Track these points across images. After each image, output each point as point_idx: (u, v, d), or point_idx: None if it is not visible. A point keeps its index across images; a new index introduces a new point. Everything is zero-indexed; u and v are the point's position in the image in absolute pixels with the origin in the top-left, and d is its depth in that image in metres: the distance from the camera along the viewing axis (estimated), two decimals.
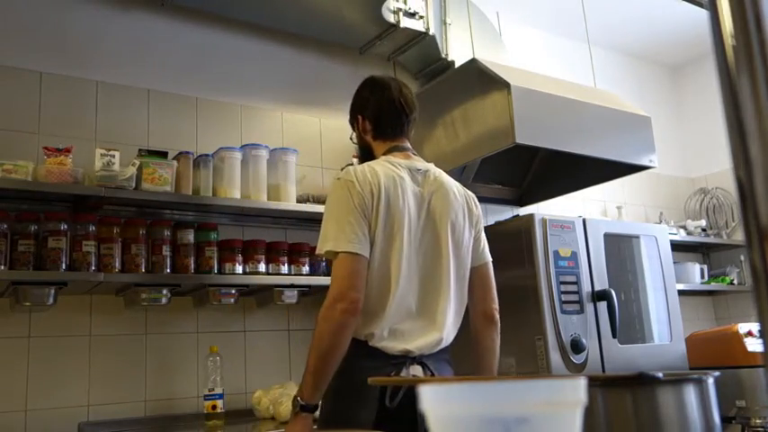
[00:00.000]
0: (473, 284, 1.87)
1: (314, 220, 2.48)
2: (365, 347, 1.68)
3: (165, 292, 2.46)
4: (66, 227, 2.31)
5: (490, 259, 1.93)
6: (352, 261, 1.62)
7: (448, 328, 1.77)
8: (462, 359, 1.87)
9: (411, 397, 1.55)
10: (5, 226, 2.22)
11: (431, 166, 1.88)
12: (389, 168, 1.75)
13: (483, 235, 1.94)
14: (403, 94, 1.88)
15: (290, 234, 2.92)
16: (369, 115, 1.89)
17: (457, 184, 1.92)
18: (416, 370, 1.69)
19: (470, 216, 1.88)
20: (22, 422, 2.31)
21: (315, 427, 1.67)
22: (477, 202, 1.96)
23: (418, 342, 1.70)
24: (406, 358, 1.70)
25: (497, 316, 1.89)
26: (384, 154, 1.84)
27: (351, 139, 2.02)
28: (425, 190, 1.78)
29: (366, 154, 1.94)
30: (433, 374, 1.69)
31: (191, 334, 2.69)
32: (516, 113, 2.66)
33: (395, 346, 1.68)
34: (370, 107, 1.88)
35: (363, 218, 1.66)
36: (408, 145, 1.89)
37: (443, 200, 1.79)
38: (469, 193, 1.95)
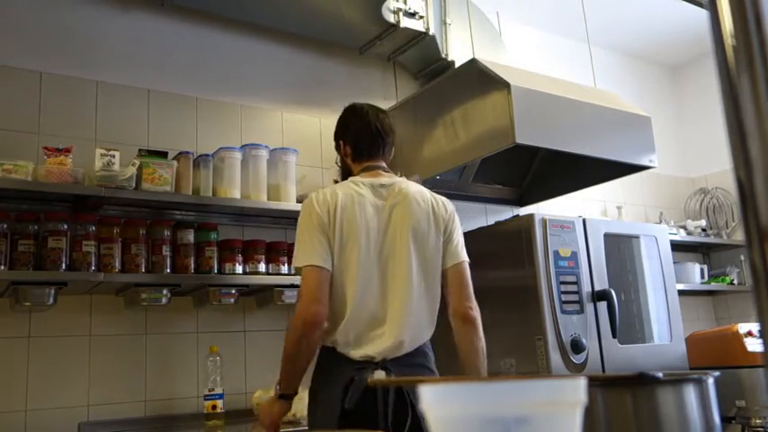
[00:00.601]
0: (448, 285, 1.96)
1: None
2: (333, 353, 1.85)
3: (165, 292, 2.46)
4: (66, 227, 2.31)
5: (464, 259, 1.98)
6: (314, 273, 1.81)
7: (412, 332, 1.85)
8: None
9: (370, 399, 1.74)
10: (5, 226, 2.22)
11: (398, 179, 2.00)
12: (350, 188, 1.92)
13: (456, 236, 1.99)
14: (380, 120, 2.04)
15: (290, 234, 2.91)
16: (349, 140, 2.04)
17: (424, 192, 2.01)
18: (380, 374, 1.79)
19: (436, 220, 1.96)
20: (22, 422, 2.31)
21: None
22: (448, 206, 2.02)
23: (378, 347, 1.81)
24: (369, 363, 1.81)
25: (474, 314, 1.94)
26: (358, 174, 2.00)
27: (336, 163, 2.19)
28: (388, 202, 1.92)
29: (346, 175, 2.08)
30: (410, 373, 1.80)
31: (191, 334, 2.69)
32: (516, 113, 2.66)
33: (357, 351, 1.82)
34: (350, 133, 2.04)
35: (323, 234, 1.84)
36: (382, 164, 2.02)
37: (405, 209, 1.91)
38: (439, 198, 2.03)
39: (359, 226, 1.85)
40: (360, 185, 1.92)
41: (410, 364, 1.84)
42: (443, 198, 2.04)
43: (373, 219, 1.88)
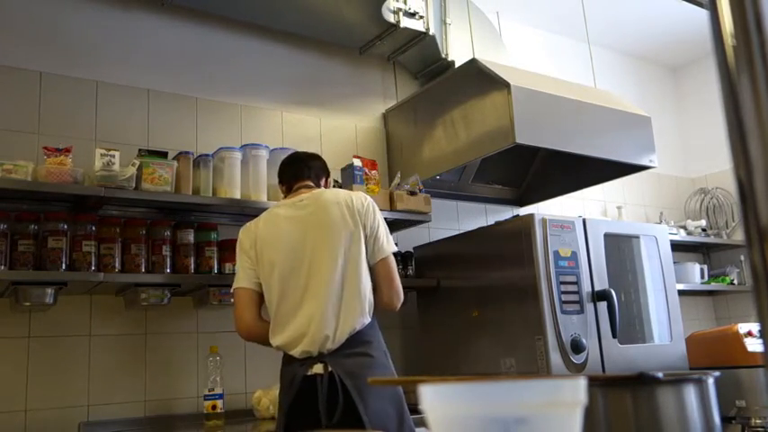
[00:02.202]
0: (376, 279, 2.12)
1: None
2: (285, 355, 2.09)
3: (165, 292, 2.46)
4: (66, 227, 2.31)
5: (388, 253, 2.13)
6: (239, 294, 2.12)
7: (335, 325, 1.99)
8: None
9: (311, 391, 1.96)
10: (5, 226, 2.22)
11: (318, 191, 2.19)
12: (271, 212, 2.19)
13: (378, 230, 2.13)
14: (300, 153, 2.39)
15: None
16: (279, 178, 2.32)
17: (339, 193, 2.17)
18: (318, 368, 1.99)
19: (352, 215, 2.09)
20: (22, 422, 2.31)
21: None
22: (364, 200, 2.15)
23: (310, 344, 1.99)
24: (308, 359, 2.01)
25: (398, 307, 2.16)
26: (285, 198, 2.27)
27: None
28: (305, 212, 2.11)
29: None
30: (332, 371, 1.96)
31: (191, 334, 2.69)
32: (516, 113, 2.67)
33: (296, 350, 2.02)
34: (279, 173, 2.33)
35: (248, 258, 2.13)
36: (307, 183, 2.24)
37: (320, 213, 2.10)
38: (355, 195, 2.16)
39: (275, 242, 2.09)
40: (281, 207, 2.18)
41: (348, 354, 1.99)
42: (359, 193, 2.20)
43: (290, 232, 2.09)
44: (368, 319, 2.05)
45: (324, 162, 2.35)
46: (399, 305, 2.17)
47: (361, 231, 2.08)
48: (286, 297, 2.04)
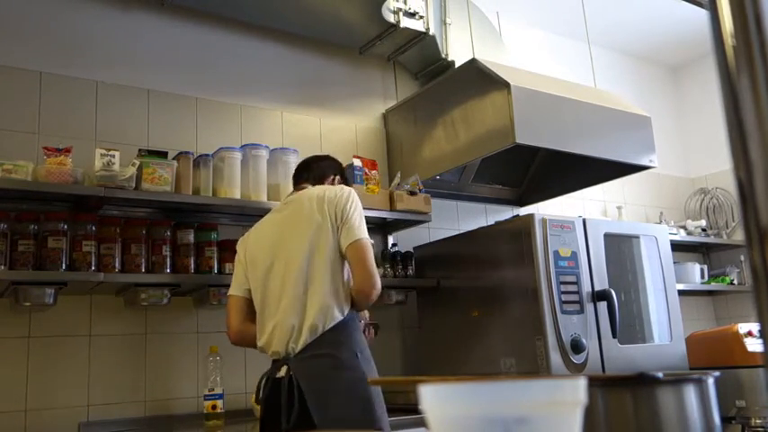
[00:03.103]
0: (349, 265, 2.03)
1: None
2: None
3: (165, 292, 2.46)
4: (66, 227, 2.31)
5: (359, 237, 2.01)
6: (230, 302, 2.16)
7: (301, 325, 1.95)
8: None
9: (278, 395, 1.95)
10: (5, 226, 2.22)
11: (304, 190, 2.17)
12: (262, 219, 2.22)
13: (352, 217, 2.04)
14: (306, 158, 2.39)
15: None
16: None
17: (318, 188, 2.14)
18: (283, 370, 1.98)
19: (327, 207, 2.04)
20: (22, 422, 2.31)
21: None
22: (340, 192, 2.09)
23: (278, 345, 1.99)
24: (278, 360, 2.01)
25: (373, 292, 2.00)
26: None
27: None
28: (285, 212, 2.13)
29: None
30: (292, 374, 1.94)
31: (191, 334, 2.69)
32: (516, 113, 2.67)
33: (270, 351, 2.03)
34: None
35: (241, 266, 2.16)
36: (303, 185, 2.23)
37: (296, 209, 2.09)
38: (334, 188, 2.13)
39: (260, 245, 2.12)
40: (271, 211, 2.23)
41: (312, 356, 1.93)
42: (340, 186, 2.17)
43: (271, 234, 2.11)
44: (339, 316, 1.96)
45: (331, 161, 2.35)
46: (375, 294, 2.01)
47: (329, 222, 2.02)
48: (267, 298, 2.04)
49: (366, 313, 2.23)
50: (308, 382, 1.90)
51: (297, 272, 1.99)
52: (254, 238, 2.17)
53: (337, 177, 2.32)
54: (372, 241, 2.07)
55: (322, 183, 2.25)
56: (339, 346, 1.94)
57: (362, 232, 2.03)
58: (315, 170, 2.29)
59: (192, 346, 2.68)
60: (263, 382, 2.03)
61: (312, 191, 2.13)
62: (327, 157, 2.38)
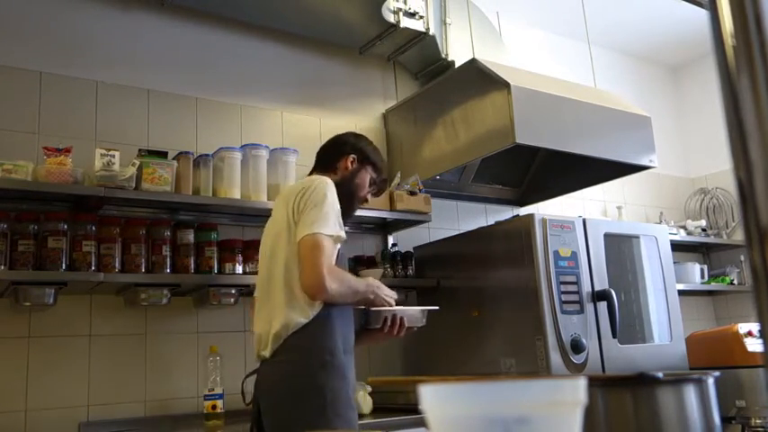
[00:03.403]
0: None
1: None
2: None
3: (165, 292, 2.46)
4: (66, 227, 2.31)
5: (307, 233, 1.84)
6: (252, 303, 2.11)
7: (268, 328, 1.91)
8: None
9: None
10: (5, 226, 2.22)
11: (301, 181, 2.08)
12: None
13: (306, 213, 1.88)
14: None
15: None
16: None
17: (291, 187, 2.05)
18: (254, 376, 1.99)
19: (291, 203, 1.92)
20: (22, 422, 2.31)
21: None
22: (307, 183, 1.96)
23: (256, 353, 1.99)
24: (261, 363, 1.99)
25: (318, 295, 1.85)
26: None
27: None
28: (274, 212, 2.08)
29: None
30: (258, 379, 1.95)
31: (191, 334, 2.68)
32: (516, 113, 2.66)
33: (255, 358, 2.02)
34: None
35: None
36: (313, 175, 2.12)
37: (277, 207, 2.04)
38: (301, 185, 1.98)
39: (263, 246, 2.07)
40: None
41: (276, 362, 1.90)
42: (312, 177, 2.03)
43: (264, 238, 2.09)
44: (303, 321, 1.86)
45: (338, 145, 2.19)
46: (321, 295, 1.84)
47: (287, 222, 1.91)
48: (259, 302, 2.05)
49: (392, 300, 2.05)
50: (263, 387, 1.92)
51: (265, 279, 2.00)
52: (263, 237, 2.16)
53: (351, 157, 2.14)
54: (341, 235, 1.90)
55: (333, 171, 2.13)
56: (302, 352, 1.86)
57: (316, 227, 1.84)
58: (321, 159, 2.21)
59: (192, 345, 2.68)
60: (244, 383, 2.07)
61: (286, 188, 2.13)
62: (334, 140, 2.20)
